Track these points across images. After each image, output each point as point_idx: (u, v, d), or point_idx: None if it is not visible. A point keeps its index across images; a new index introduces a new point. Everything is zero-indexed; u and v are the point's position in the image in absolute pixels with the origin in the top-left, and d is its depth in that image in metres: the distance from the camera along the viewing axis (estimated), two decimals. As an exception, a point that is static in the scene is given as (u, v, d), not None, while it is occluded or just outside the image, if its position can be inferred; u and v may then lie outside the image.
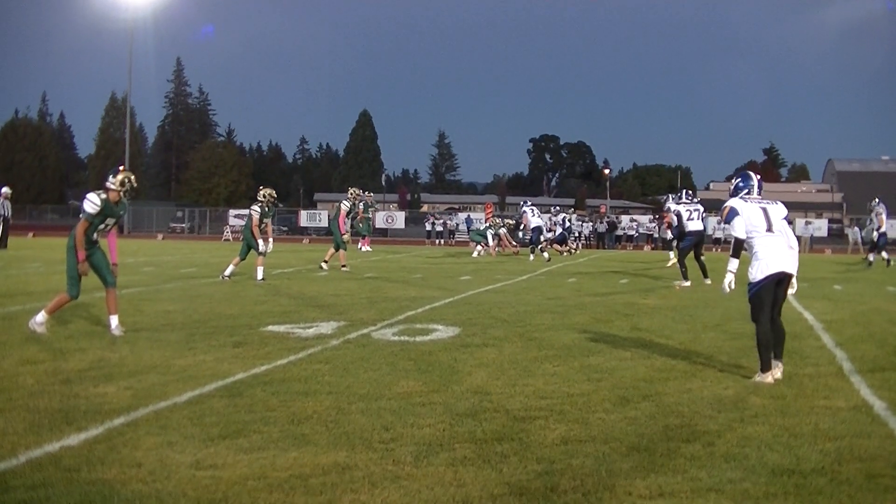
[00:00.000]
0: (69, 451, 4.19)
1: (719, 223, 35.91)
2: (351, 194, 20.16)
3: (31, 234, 37.87)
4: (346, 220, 18.98)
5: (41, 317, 7.96)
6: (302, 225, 52.15)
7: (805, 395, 5.78)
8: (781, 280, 6.35)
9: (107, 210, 7.92)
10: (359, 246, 27.45)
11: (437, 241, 43.48)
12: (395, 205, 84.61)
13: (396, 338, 8.08)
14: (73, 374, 6.14)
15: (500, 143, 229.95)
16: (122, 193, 7.97)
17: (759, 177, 6.84)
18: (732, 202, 6.60)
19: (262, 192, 14.99)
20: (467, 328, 8.79)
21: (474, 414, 5.06)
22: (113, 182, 7.93)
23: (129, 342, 7.60)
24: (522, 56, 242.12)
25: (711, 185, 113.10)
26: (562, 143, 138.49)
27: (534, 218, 23.95)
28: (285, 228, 50.93)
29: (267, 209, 14.80)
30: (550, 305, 11.29)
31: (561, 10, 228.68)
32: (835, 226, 53.80)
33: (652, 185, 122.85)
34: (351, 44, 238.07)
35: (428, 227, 46.22)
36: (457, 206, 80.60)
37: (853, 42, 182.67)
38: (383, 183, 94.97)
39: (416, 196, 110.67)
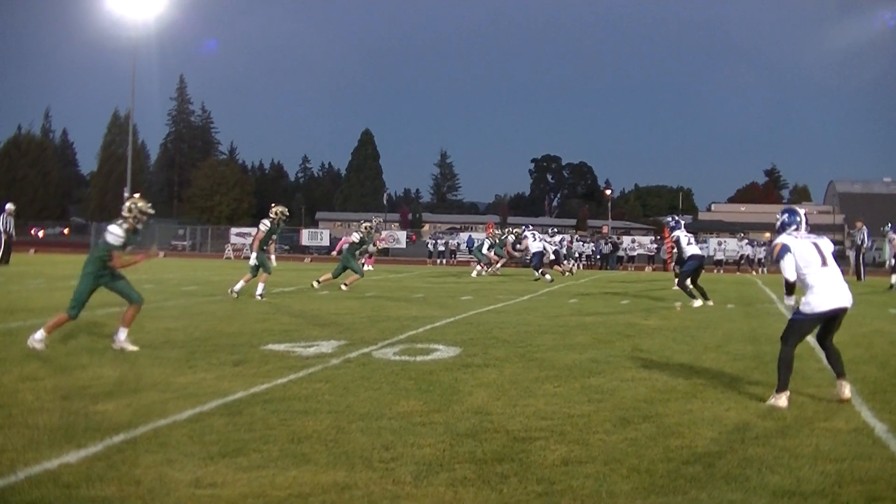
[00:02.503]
0: (68, 468, 4.18)
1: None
2: (364, 228, 18.33)
3: (32, 251, 37.87)
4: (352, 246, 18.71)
5: (40, 334, 7.99)
6: (304, 244, 52.17)
7: (806, 416, 5.77)
8: (837, 315, 6.25)
9: (127, 239, 8.30)
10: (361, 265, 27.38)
11: (439, 261, 43.48)
12: (397, 224, 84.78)
13: (397, 357, 8.07)
14: (73, 390, 6.14)
15: (501, 163, 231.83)
16: (133, 220, 8.32)
17: (805, 211, 6.72)
18: (783, 239, 6.37)
19: (274, 209, 15.05)
20: (468, 348, 8.78)
21: (475, 434, 5.05)
22: (125, 212, 8.36)
23: (129, 359, 7.60)
24: (525, 76, 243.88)
25: (713, 207, 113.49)
26: (564, 163, 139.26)
27: (535, 243, 23.99)
28: (287, 247, 50.93)
29: (276, 226, 14.86)
30: (551, 326, 11.28)
31: (564, 30, 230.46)
32: (836, 247, 53.66)
33: (653, 205, 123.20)
34: (354, 63, 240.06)
35: (430, 246, 46.20)
36: (458, 226, 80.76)
37: (855, 64, 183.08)
38: (385, 202, 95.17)
39: (417, 215, 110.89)
